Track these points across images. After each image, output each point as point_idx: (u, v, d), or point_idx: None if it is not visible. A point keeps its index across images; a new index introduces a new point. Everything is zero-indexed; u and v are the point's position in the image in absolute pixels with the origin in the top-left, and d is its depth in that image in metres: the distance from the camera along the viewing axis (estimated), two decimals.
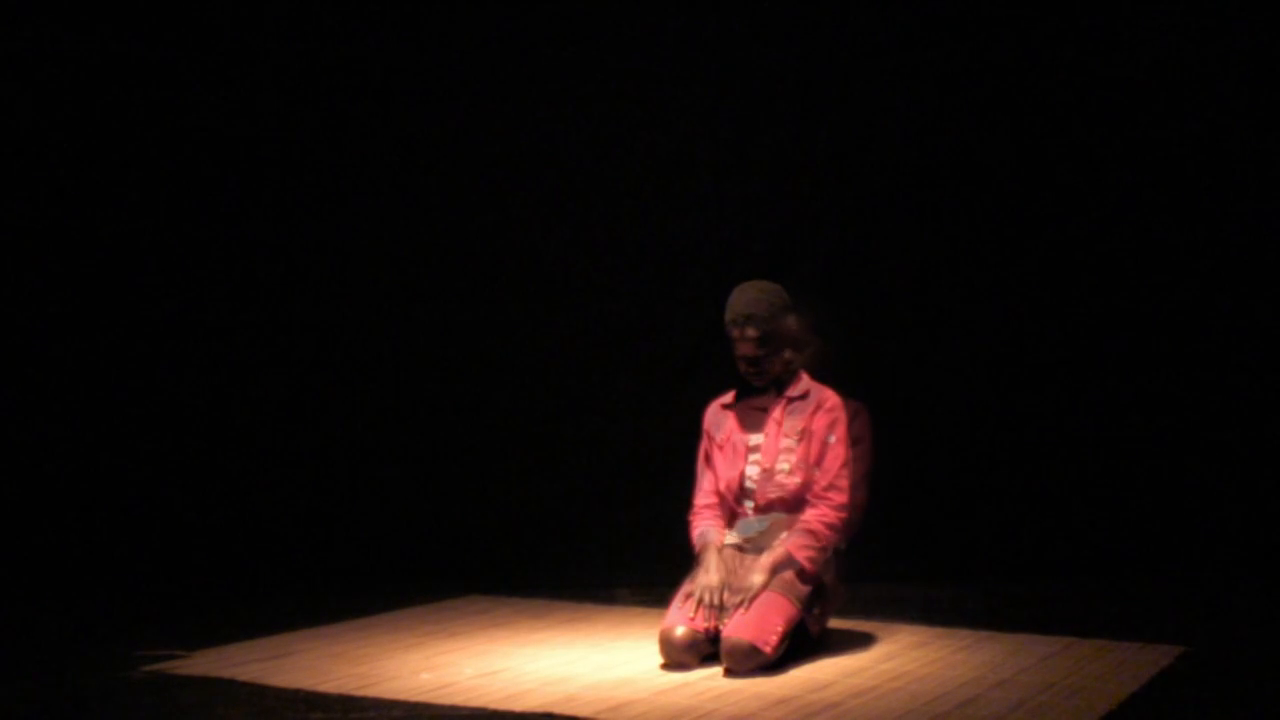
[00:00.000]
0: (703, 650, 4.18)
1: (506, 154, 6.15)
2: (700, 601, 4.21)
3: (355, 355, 6.17)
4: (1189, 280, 5.80)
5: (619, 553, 5.78)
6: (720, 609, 4.20)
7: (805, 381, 4.43)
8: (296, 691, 3.95)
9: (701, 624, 4.18)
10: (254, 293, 6.05)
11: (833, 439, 4.34)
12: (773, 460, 4.34)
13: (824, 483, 4.32)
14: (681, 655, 4.16)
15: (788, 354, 4.38)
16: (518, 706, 3.75)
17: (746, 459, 4.40)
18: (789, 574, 4.24)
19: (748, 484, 4.38)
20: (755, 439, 4.40)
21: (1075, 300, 5.88)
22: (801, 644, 4.24)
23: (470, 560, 5.82)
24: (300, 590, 5.52)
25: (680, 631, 4.17)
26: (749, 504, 4.37)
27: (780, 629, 4.11)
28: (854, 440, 4.49)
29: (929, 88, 5.93)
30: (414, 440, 6.15)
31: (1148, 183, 5.81)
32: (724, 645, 4.09)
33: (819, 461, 4.33)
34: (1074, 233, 5.88)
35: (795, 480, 4.32)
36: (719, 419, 4.50)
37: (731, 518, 4.44)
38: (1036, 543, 5.76)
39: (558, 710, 3.71)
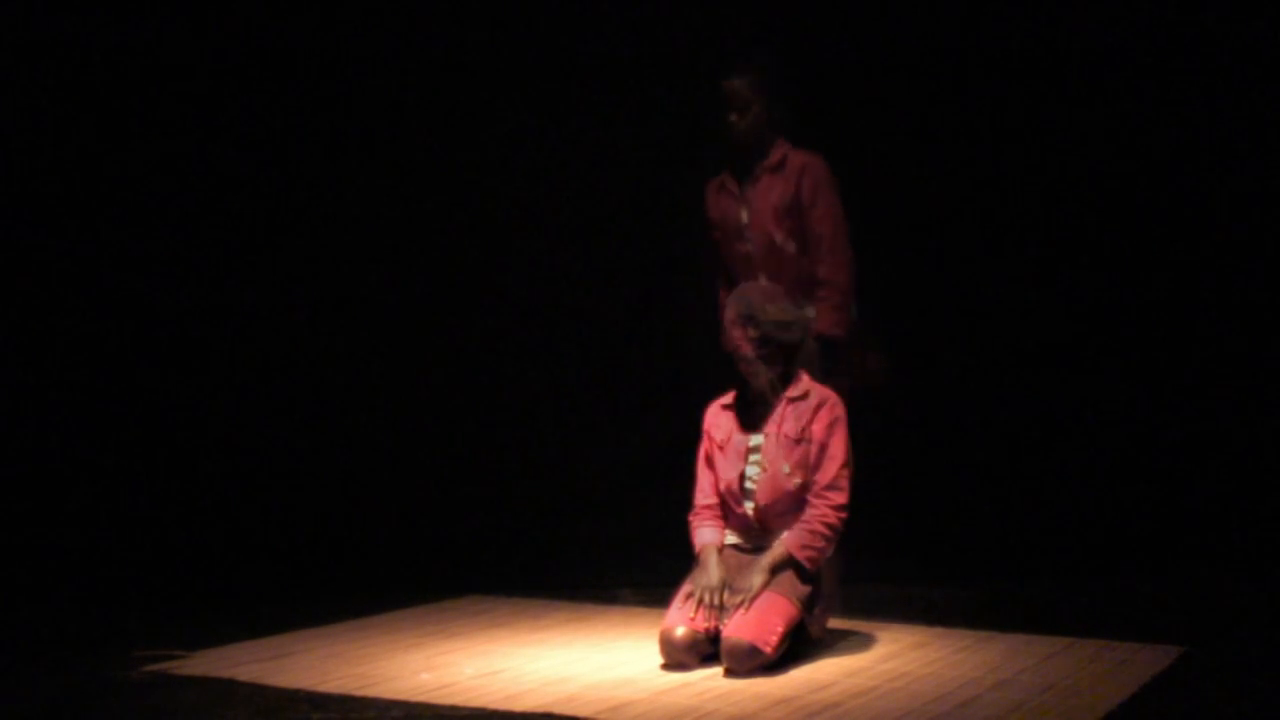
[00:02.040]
0: (703, 650, 4.19)
1: (505, 154, 6.15)
2: (700, 602, 4.22)
3: (356, 356, 6.18)
4: (1189, 279, 5.80)
5: (619, 553, 5.78)
6: (720, 609, 4.20)
7: (805, 381, 4.43)
8: (297, 691, 3.95)
9: (702, 624, 4.18)
10: (256, 295, 6.05)
11: (833, 439, 4.35)
12: (773, 461, 4.34)
13: (824, 482, 4.32)
14: (682, 655, 4.16)
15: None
16: (518, 706, 3.75)
17: (746, 460, 4.40)
18: (789, 574, 4.24)
19: (748, 484, 4.38)
20: (755, 440, 4.40)
21: (1076, 299, 5.88)
22: (801, 644, 4.25)
23: (470, 560, 5.82)
24: (300, 590, 5.52)
25: (680, 632, 4.17)
26: (749, 505, 4.37)
27: (780, 629, 4.12)
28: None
29: (931, 85, 5.93)
30: (414, 440, 6.15)
31: (1151, 180, 5.81)
32: (724, 645, 4.09)
33: (819, 461, 4.33)
34: (1074, 230, 5.88)
35: (795, 481, 4.32)
36: (719, 419, 4.50)
37: (731, 518, 4.45)
38: (1036, 543, 5.76)
39: (558, 710, 3.72)
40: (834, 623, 4.54)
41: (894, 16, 5.91)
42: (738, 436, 4.43)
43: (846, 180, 5.88)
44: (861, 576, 5.28)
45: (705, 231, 4.81)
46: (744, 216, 4.59)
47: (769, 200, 4.54)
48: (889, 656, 4.29)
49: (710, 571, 4.30)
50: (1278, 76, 5.61)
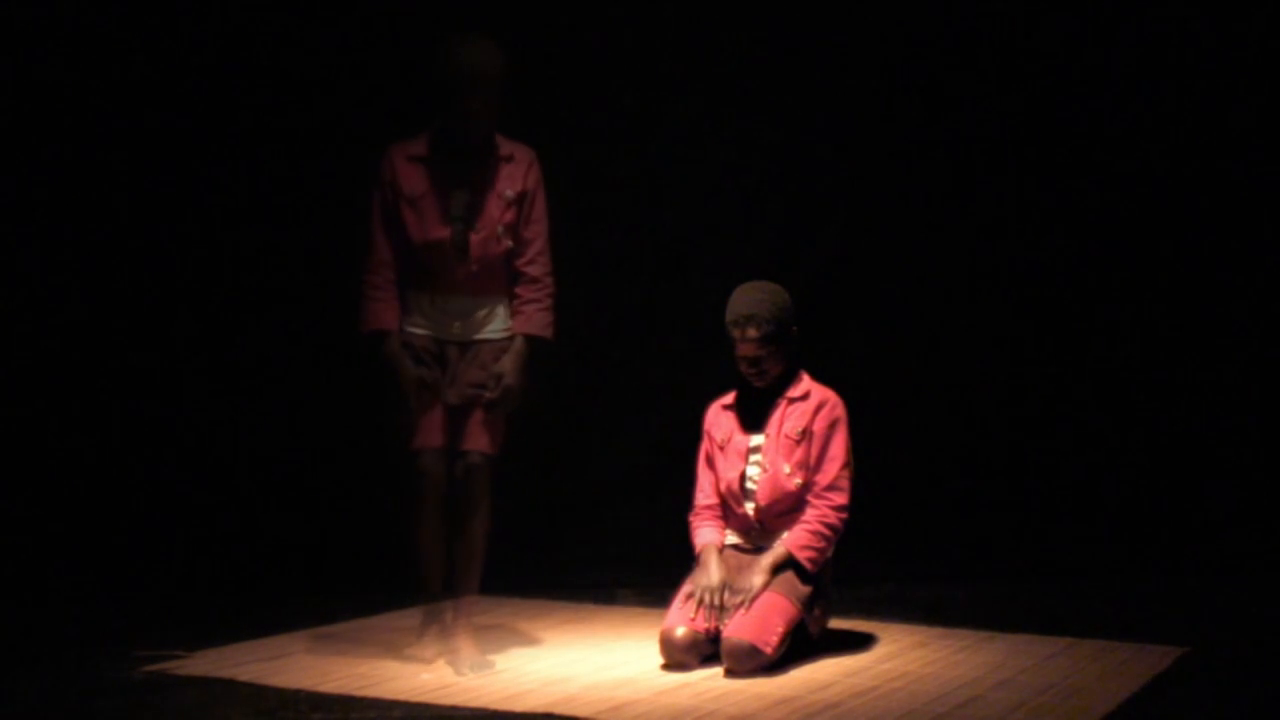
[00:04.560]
0: (703, 650, 4.19)
1: None
2: (700, 602, 4.22)
3: (355, 356, 6.16)
4: (1187, 280, 5.80)
5: (619, 553, 5.77)
6: (720, 609, 4.21)
7: (806, 382, 4.44)
8: (297, 691, 3.95)
9: (702, 624, 4.18)
10: (258, 294, 6.04)
11: (833, 440, 4.35)
12: (773, 461, 4.34)
13: (824, 483, 4.32)
14: (682, 655, 4.16)
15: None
16: (518, 706, 3.76)
17: (747, 460, 4.40)
18: (789, 574, 4.24)
19: (748, 485, 4.38)
20: (756, 440, 4.40)
21: (1076, 300, 5.88)
22: (801, 644, 4.25)
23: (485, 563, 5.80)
24: (300, 590, 5.52)
25: (681, 632, 4.18)
26: (750, 505, 4.38)
27: (781, 629, 4.12)
28: None
29: (931, 86, 5.93)
30: None
31: (1152, 183, 5.81)
32: (724, 646, 4.09)
33: (819, 462, 4.33)
34: (1075, 231, 5.88)
35: (796, 481, 4.32)
36: (720, 420, 4.51)
37: (731, 519, 4.46)
38: (1036, 543, 5.76)
39: (558, 710, 3.72)
40: (834, 623, 4.54)
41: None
42: (738, 437, 4.44)
43: (863, 177, 5.92)
44: (861, 576, 5.28)
45: (377, 191, 4.33)
46: (459, 197, 4.23)
47: (500, 189, 4.27)
48: (889, 656, 4.29)
49: (710, 571, 4.30)
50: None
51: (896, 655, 4.31)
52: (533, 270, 4.32)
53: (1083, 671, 4.05)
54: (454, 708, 3.76)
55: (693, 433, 4.61)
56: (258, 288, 6.03)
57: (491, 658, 4.30)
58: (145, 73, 5.82)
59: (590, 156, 6.01)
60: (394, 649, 4.47)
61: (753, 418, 4.44)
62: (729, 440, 4.45)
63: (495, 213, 4.27)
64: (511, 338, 4.31)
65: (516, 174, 4.31)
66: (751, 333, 4.28)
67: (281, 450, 5.94)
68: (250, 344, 5.98)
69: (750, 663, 4.05)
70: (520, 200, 4.31)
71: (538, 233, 4.34)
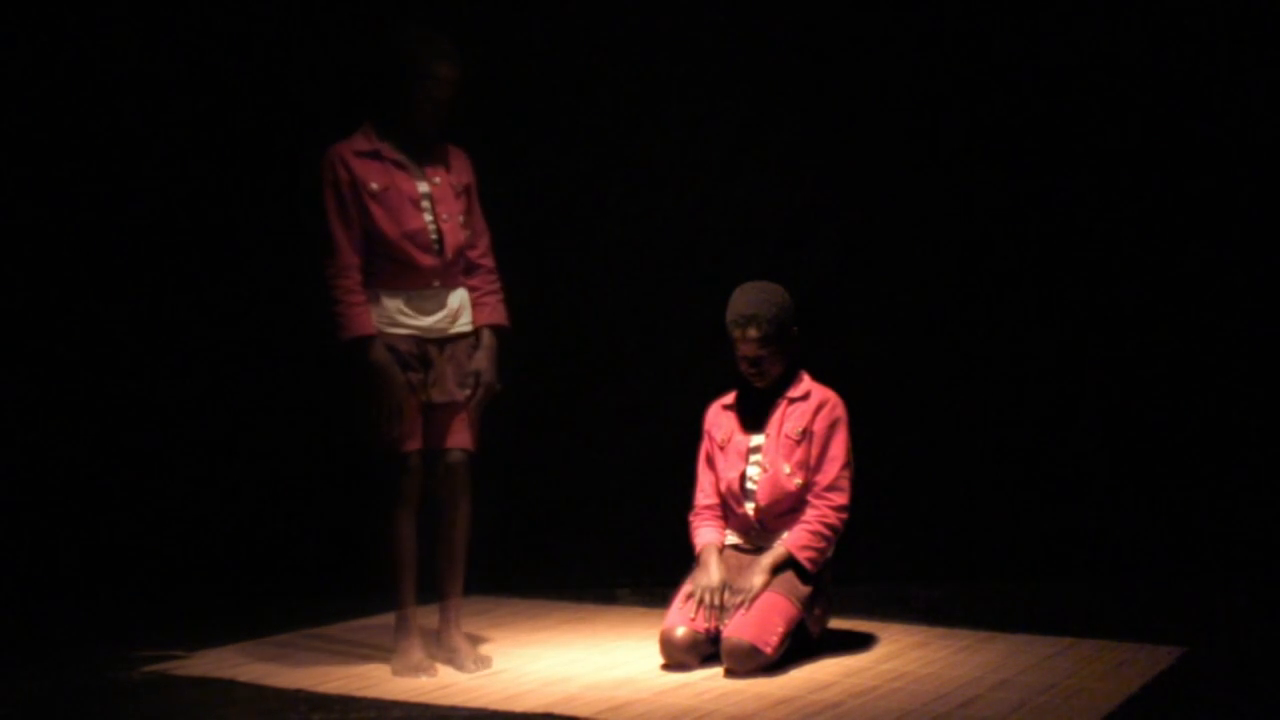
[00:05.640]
0: (703, 650, 4.19)
1: (505, 154, 6.14)
2: (700, 602, 4.22)
3: (344, 360, 6.14)
4: (1188, 281, 5.80)
5: (619, 553, 5.78)
6: (721, 609, 4.21)
7: (806, 382, 4.44)
8: (297, 691, 3.95)
9: (702, 624, 4.19)
10: (258, 294, 6.04)
11: (834, 440, 4.35)
12: (774, 461, 4.35)
13: (824, 483, 4.33)
14: (682, 655, 4.16)
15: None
16: (518, 706, 3.76)
17: (747, 460, 4.40)
18: (789, 574, 4.25)
19: (748, 485, 4.38)
20: (756, 440, 4.41)
21: (1076, 299, 5.88)
22: (802, 644, 4.25)
23: (470, 560, 5.80)
24: (300, 590, 5.52)
25: (681, 632, 4.18)
26: (750, 505, 4.38)
27: (781, 629, 4.12)
28: None
29: (931, 86, 5.93)
30: None
31: (1149, 179, 5.81)
32: (725, 646, 4.10)
33: (819, 462, 4.34)
34: (1076, 230, 5.87)
35: (796, 481, 4.32)
36: (720, 420, 4.51)
37: (731, 519, 4.46)
38: (1036, 543, 5.76)
39: (558, 710, 3.72)
40: (834, 623, 4.54)
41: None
42: (738, 437, 4.44)
43: (864, 177, 5.92)
44: (861, 576, 5.28)
45: (332, 193, 4.20)
46: (422, 188, 4.25)
47: (450, 180, 4.31)
48: (889, 656, 4.29)
49: (711, 571, 4.30)
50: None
51: (896, 655, 4.31)
52: (486, 261, 4.40)
53: (1083, 671, 4.05)
54: (454, 708, 3.76)
55: (693, 433, 4.61)
56: (263, 287, 6.03)
57: (490, 655, 4.31)
58: (143, 71, 5.83)
59: (591, 156, 6.01)
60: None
61: (753, 418, 4.44)
62: (729, 440, 4.45)
63: (455, 203, 4.32)
64: (477, 331, 4.34)
65: (459, 165, 4.38)
66: (752, 333, 4.28)
67: (282, 450, 5.94)
68: (251, 344, 5.98)
69: (750, 663, 4.05)
70: (467, 192, 4.38)
71: (484, 226, 4.43)
